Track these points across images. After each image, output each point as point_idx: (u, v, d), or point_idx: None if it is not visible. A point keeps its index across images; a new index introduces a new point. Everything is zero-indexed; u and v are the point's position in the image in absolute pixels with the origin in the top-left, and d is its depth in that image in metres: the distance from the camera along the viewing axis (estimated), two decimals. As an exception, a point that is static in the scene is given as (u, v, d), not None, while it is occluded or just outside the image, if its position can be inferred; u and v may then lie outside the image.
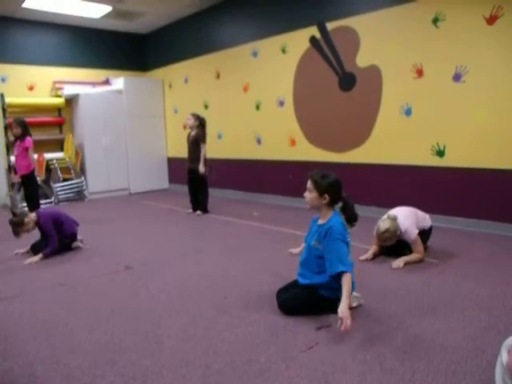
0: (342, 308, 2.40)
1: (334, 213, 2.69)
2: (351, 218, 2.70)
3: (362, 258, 3.79)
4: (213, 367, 2.14)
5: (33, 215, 4.23)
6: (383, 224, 3.63)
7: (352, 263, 2.68)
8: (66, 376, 2.10)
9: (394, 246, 3.72)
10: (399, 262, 3.58)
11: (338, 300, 2.51)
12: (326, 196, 2.64)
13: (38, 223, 4.21)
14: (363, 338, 2.38)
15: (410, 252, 3.69)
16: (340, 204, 2.72)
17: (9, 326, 2.70)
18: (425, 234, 3.85)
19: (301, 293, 2.75)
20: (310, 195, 2.69)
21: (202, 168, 6.06)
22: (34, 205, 5.74)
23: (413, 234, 3.63)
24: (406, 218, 3.71)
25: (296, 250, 3.20)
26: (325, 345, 2.32)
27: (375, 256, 3.82)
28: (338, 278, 2.55)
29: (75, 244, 4.47)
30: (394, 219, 3.63)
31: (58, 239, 4.20)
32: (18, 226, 4.10)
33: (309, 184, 2.69)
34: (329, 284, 2.63)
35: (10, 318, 2.83)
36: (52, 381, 2.07)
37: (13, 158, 6.81)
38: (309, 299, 2.71)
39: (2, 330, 2.64)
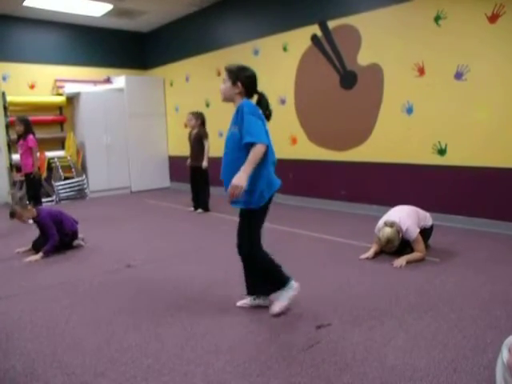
0: (237, 174, 2.33)
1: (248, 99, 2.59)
2: (265, 112, 2.60)
3: (363, 256, 3.79)
4: (214, 366, 2.14)
5: (33, 209, 4.30)
6: (383, 233, 3.62)
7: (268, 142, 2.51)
8: (67, 374, 2.11)
9: None
10: (401, 261, 3.58)
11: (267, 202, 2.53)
12: (239, 84, 2.57)
13: (36, 219, 4.25)
14: (364, 337, 2.38)
15: (412, 250, 3.69)
16: (255, 97, 2.63)
17: (10, 324, 2.71)
18: (426, 232, 3.85)
19: (239, 225, 2.66)
20: (223, 86, 2.63)
21: (205, 163, 6.06)
22: (35, 203, 5.76)
23: (414, 233, 3.63)
24: (408, 216, 3.71)
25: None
26: (325, 343, 2.32)
27: (376, 254, 3.82)
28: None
29: (76, 242, 4.48)
30: (391, 226, 3.62)
31: (57, 235, 4.21)
32: (21, 208, 4.26)
33: (224, 75, 2.64)
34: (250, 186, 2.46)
35: (11, 316, 2.83)
36: (53, 379, 2.07)
37: (15, 156, 6.85)
38: (243, 223, 2.63)
39: (3, 328, 2.65)
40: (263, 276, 2.74)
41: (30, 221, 4.33)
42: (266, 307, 2.78)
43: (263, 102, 2.63)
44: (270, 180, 2.57)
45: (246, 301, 2.85)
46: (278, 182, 2.64)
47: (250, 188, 2.46)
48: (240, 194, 2.36)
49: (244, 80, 2.59)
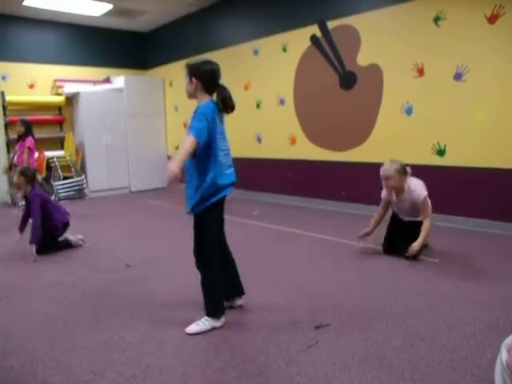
0: (171, 161, 2.35)
1: (210, 100, 2.55)
2: (227, 105, 2.56)
3: (363, 232, 3.91)
4: (213, 366, 2.14)
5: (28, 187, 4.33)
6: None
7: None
8: (66, 374, 2.11)
9: (399, 235, 3.76)
10: (415, 248, 3.53)
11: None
12: (194, 80, 2.51)
13: (28, 194, 4.29)
14: (363, 337, 2.38)
15: (415, 239, 3.61)
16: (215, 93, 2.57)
17: (9, 323, 2.70)
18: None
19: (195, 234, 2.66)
20: (185, 82, 2.59)
21: None
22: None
23: (422, 194, 3.57)
24: (417, 181, 3.72)
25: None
26: (324, 343, 2.32)
27: (377, 225, 3.95)
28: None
29: (75, 242, 4.46)
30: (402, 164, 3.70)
31: (39, 220, 4.15)
32: (23, 175, 4.31)
33: (184, 71, 2.59)
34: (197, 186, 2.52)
35: (10, 315, 2.83)
36: (52, 378, 2.07)
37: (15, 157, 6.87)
38: (197, 226, 2.63)
39: (2, 327, 2.64)
40: (203, 291, 2.67)
41: (21, 202, 4.35)
42: (264, 308, 2.77)
43: (222, 96, 2.54)
44: (216, 187, 2.53)
45: None
46: (229, 190, 2.61)
47: (191, 193, 2.53)
48: (173, 180, 2.38)
49: (200, 75, 2.51)
